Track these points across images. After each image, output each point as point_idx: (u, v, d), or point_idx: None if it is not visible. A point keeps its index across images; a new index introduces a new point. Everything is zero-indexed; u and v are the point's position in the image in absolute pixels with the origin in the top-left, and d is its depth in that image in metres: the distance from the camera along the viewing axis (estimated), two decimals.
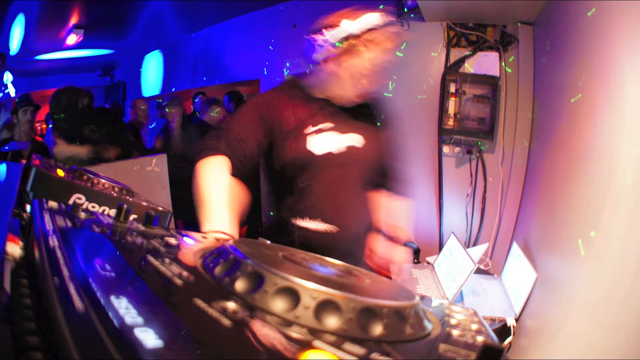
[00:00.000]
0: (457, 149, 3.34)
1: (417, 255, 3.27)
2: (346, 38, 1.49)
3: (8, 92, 6.85)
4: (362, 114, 1.68)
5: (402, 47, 3.53)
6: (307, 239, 1.58)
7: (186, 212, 3.18)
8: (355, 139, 1.62)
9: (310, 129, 1.57)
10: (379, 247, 1.68)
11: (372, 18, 1.51)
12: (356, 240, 1.68)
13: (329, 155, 1.56)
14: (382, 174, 1.77)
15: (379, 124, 1.73)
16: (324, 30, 1.52)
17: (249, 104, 1.66)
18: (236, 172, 1.43)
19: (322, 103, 1.62)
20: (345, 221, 1.61)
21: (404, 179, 1.83)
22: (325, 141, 1.57)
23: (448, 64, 3.38)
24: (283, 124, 1.56)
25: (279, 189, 1.67)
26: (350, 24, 1.48)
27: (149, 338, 0.31)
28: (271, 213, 1.72)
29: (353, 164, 1.62)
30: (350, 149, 1.60)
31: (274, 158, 1.59)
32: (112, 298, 0.37)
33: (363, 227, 1.71)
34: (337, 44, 1.50)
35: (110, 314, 0.34)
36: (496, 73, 3.19)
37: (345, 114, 1.63)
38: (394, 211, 1.77)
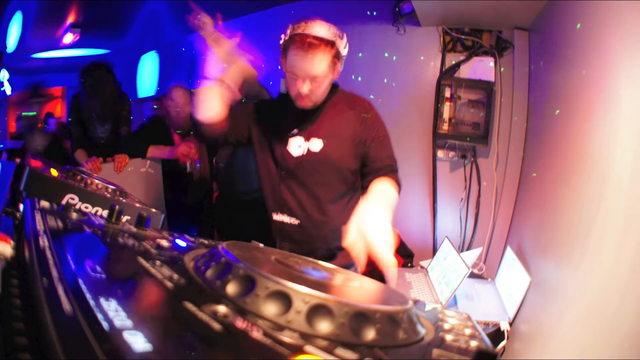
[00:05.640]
0: (451, 154, 3.35)
1: (411, 260, 3.27)
2: (284, 40, 1.65)
3: (4, 90, 6.82)
4: (327, 115, 1.74)
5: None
6: (278, 230, 1.81)
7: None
8: (316, 144, 1.71)
9: (281, 134, 1.76)
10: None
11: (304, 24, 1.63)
12: (322, 238, 1.78)
13: (292, 159, 1.73)
14: (367, 172, 1.76)
15: (350, 124, 1.74)
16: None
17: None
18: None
19: (293, 108, 1.74)
20: (308, 218, 1.75)
21: (394, 168, 1.75)
22: (293, 147, 1.73)
23: (443, 69, 3.38)
24: (263, 130, 1.82)
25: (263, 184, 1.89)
26: (290, 28, 1.66)
27: (138, 341, 0.31)
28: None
29: (319, 167, 1.72)
30: (315, 154, 1.71)
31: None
32: (102, 300, 0.37)
33: (331, 229, 1.76)
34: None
35: (99, 317, 0.33)
36: (491, 78, 3.20)
37: (310, 117, 1.74)
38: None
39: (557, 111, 2.29)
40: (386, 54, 3.59)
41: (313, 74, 1.59)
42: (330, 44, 1.58)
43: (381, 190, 1.56)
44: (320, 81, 1.62)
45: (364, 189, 1.79)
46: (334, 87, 1.79)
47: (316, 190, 1.75)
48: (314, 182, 1.74)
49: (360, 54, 3.63)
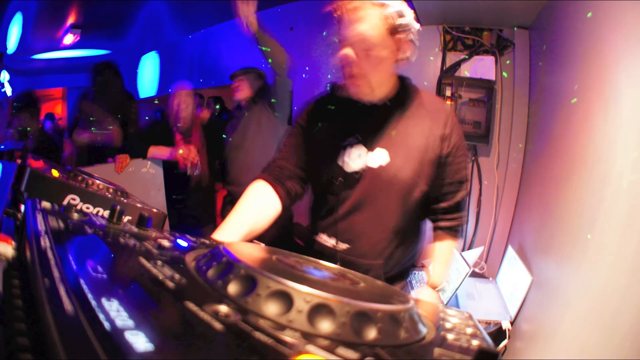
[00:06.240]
0: None
1: None
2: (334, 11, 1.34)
3: (4, 91, 6.84)
4: (395, 118, 1.42)
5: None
6: (321, 254, 1.50)
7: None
8: (380, 156, 1.39)
9: (342, 142, 1.44)
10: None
11: None
12: (373, 270, 1.47)
13: (355, 175, 1.42)
14: (431, 204, 1.51)
15: (424, 138, 1.41)
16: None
17: (295, 121, 1.60)
18: (283, 192, 1.48)
19: (349, 107, 1.45)
20: (363, 247, 1.46)
21: (460, 215, 1.55)
22: (353, 158, 1.42)
23: (444, 68, 3.38)
24: (315, 135, 1.50)
25: (313, 199, 1.59)
26: None
27: (140, 341, 0.31)
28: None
29: (383, 188, 1.40)
30: (380, 171, 1.39)
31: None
32: (103, 300, 0.37)
33: (389, 260, 1.50)
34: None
35: (101, 317, 0.33)
36: (492, 77, 3.20)
37: (372, 119, 1.42)
38: (434, 251, 1.59)
39: (558, 110, 2.28)
40: None
41: (354, 35, 1.29)
42: (380, 5, 1.27)
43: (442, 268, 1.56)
44: (368, 50, 1.30)
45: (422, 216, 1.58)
46: (403, 81, 1.48)
47: (374, 215, 1.43)
48: (372, 203, 1.42)
49: None
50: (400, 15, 1.29)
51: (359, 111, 1.43)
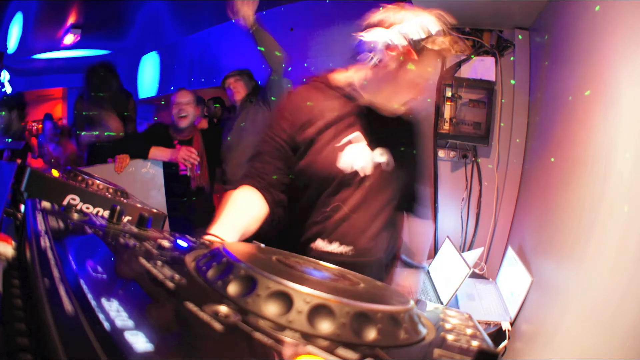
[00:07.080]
0: (452, 153, 3.34)
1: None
2: (409, 41, 1.30)
3: (5, 91, 6.85)
4: (402, 129, 1.53)
5: None
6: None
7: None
8: (386, 158, 1.43)
9: (340, 140, 1.39)
10: (400, 277, 1.73)
11: (433, 22, 1.30)
12: (376, 265, 1.49)
13: (357, 174, 1.39)
14: (409, 197, 1.62)
15: (413, 142, 1.57)
16: (383, 29, 1.32)
17: (274, 114, 1.49)
18: (269, 196, 1.38)
19: (360, 109, 1.43)
20: (366, 245, 1.43)
21: (427, 202, 1.76)
22: (355, 157, 1.38)
23: (444, 69, 3.38)
24: (308, 130, 1.39)
25: (295, 201, 1.45)
26: (417, 26, 1.29)
27: (140, 341, 0.31)
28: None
29: (383, 185, 1.43)
30: (383, 169, 1.42)
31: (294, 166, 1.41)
32: (103, 300, 0.37)
33: (386, 252, 1.54)
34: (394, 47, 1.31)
35: (101, 317, 0.33)
36: (492, 78, 3.20)
37: (385, 126, 1.45)
38: (416, 235, 1.78)
39: (558, 110, 2.28)
40: None
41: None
42: None
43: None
44: None
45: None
46: None
47: (373, 211, 1.44)
48: (373, 200, 1.43)
49: None
50: None
51: (355, 109, 1.43)
